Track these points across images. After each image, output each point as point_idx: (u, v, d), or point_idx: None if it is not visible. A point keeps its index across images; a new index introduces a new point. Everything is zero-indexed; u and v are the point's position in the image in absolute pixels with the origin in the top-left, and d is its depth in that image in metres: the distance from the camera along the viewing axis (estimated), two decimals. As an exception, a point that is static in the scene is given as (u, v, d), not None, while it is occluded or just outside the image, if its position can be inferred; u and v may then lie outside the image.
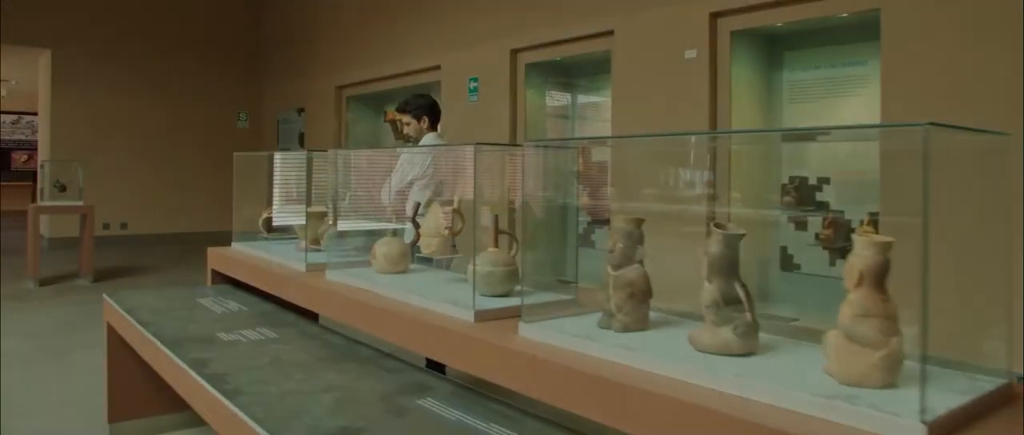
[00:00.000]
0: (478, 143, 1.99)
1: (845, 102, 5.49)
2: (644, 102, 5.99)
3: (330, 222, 2.94)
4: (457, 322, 1.92)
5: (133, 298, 3.22)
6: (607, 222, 1.84)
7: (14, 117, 18.39)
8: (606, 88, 7.03)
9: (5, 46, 10.30)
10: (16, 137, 18.62)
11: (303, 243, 3.20)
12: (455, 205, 2.42)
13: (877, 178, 4.00)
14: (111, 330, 3.18)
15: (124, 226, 11.18)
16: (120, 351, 3.14)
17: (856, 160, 5.25)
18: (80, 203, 7.95)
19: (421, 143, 4.07)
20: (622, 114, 6.23)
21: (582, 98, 7.37)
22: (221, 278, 3.62)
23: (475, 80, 7.70)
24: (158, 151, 11.53)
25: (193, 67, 11.77)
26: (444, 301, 2.06)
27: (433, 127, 4.19)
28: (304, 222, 3.22)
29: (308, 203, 3.18)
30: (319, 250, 3.05)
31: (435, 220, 2.39)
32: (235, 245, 3.65)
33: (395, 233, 2.67)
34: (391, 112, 10.03)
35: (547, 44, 6.99)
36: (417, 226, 2.56)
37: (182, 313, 2.91)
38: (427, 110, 4.14)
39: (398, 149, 3.90)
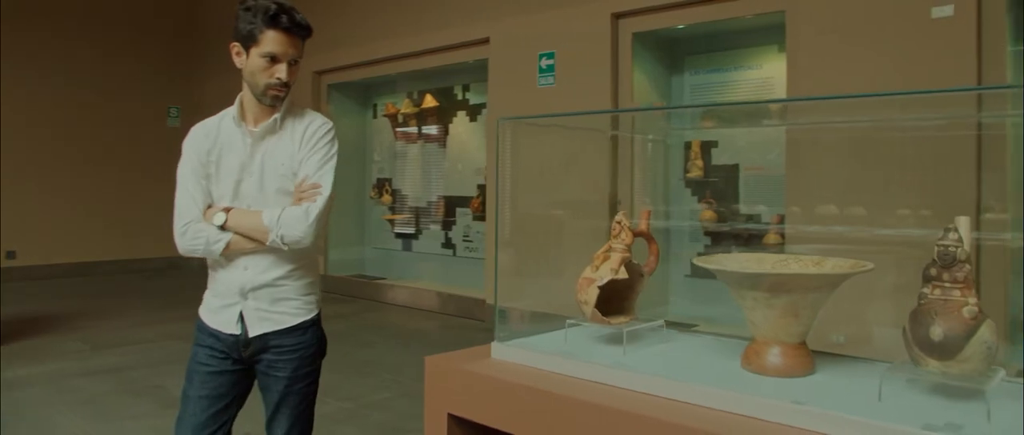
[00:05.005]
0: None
1: None
2: (849, 84, 4.23)
3: None
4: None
5: None
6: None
7: None
8: (764, 65, 5.24)
9: None
10: None
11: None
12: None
13: None
14: None
15: (12, 255, 8.36)
16: None
17: None
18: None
19: (312, 116, 2.08)
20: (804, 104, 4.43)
21: (724, 79, 5.50)
22: (463, 427, 1.49)
23: (550, 57, 5.71)
24: (58, 157, 8.77)
25: (105, 52, 9.11)
26: None
27: None
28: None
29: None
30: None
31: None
32: (501, 350, 1.54)
33: None
34: (392, 105, 7.84)
35: (669, 5, 5.11)
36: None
37: None
38: None
39: (318, 123, 2.02)
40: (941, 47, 3.96)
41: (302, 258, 2.00)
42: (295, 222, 1.89)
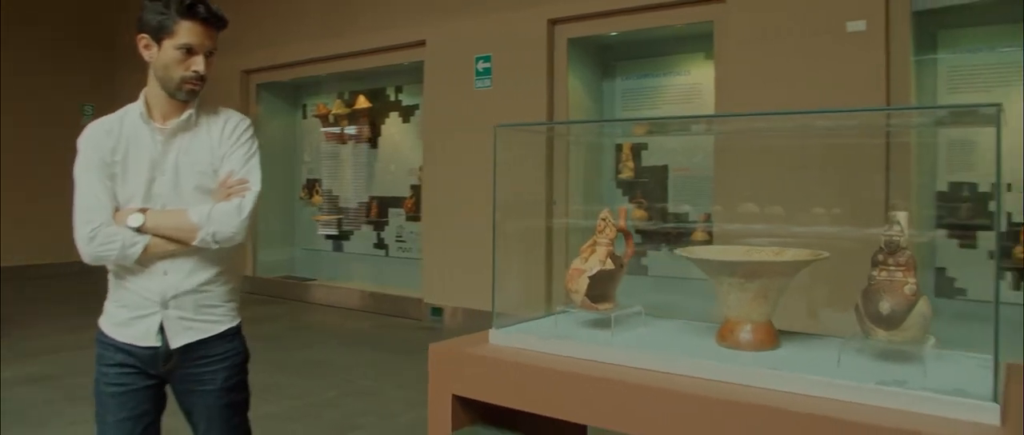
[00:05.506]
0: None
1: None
2: (773, 90, 4.56)
3: None
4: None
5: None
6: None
7: None
8: (693, 72, 5.54)
9: None
10: None
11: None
12: None
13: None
14: None
15: (-90, 262, 7.86)
16: None
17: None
18: None
19: (227, 112, 1.95)
20: (732, 108, 4.76)
21: (654, 84, 5.77)
22: (465, 409, 1.63)
23: (487, 59, 5.86)
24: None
25: (15, 47, 8.65)
26: None
27: None
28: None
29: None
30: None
31: None
32: (498, 336, 1.69)
33: None
34: (323, 105, 7.82)
35: (603, 13, 5.35)
36: None
37: None
38: None
39: (237, 119, 1.92)
40: (855, 57, 4.33)
41: (226, 261, 1.89)
42: (227, 218, 1.77)
